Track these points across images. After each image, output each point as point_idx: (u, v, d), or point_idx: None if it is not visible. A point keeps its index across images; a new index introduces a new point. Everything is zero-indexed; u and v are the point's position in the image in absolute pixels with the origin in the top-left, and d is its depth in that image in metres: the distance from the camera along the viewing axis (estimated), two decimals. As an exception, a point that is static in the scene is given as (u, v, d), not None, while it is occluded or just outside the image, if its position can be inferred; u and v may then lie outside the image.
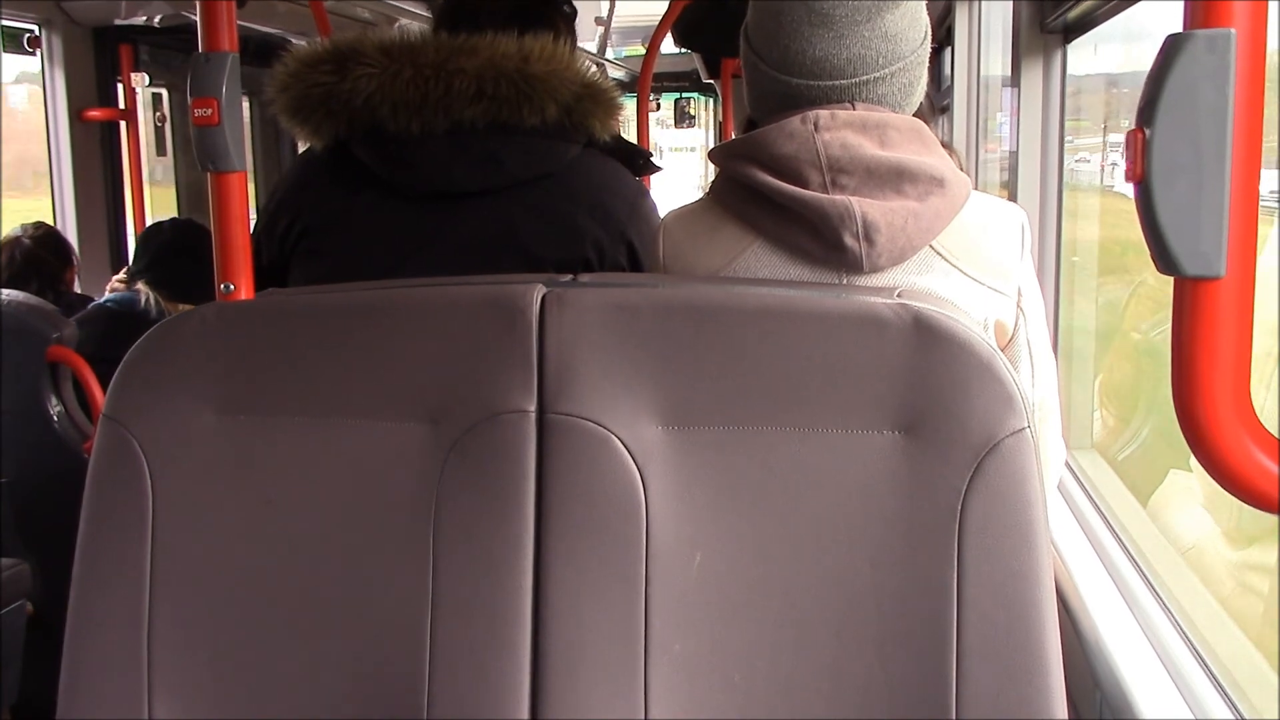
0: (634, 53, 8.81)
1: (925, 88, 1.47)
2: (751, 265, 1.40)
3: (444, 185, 1.71)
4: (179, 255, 3.27)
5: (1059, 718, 1.11)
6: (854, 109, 1.38)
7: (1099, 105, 3.05)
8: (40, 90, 4.17)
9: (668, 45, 4.87)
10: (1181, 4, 0.76)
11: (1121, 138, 0.78)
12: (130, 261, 3.43)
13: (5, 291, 3.00)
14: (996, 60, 3.41)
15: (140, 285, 3.25)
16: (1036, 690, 1.11)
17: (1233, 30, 0.74)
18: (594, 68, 1.79)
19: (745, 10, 1.48)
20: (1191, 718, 1.45)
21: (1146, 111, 0.76)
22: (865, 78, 1.39)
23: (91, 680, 1.26)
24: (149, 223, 4.36)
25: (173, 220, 3.58)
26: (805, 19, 1.38)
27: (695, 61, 6.70)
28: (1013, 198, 2.52)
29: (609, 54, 8.19)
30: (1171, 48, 0.75)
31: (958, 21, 3.92)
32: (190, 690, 1.24)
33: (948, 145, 1.73)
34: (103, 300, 3.33)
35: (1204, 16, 0.74)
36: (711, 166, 1.53)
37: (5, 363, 2.84)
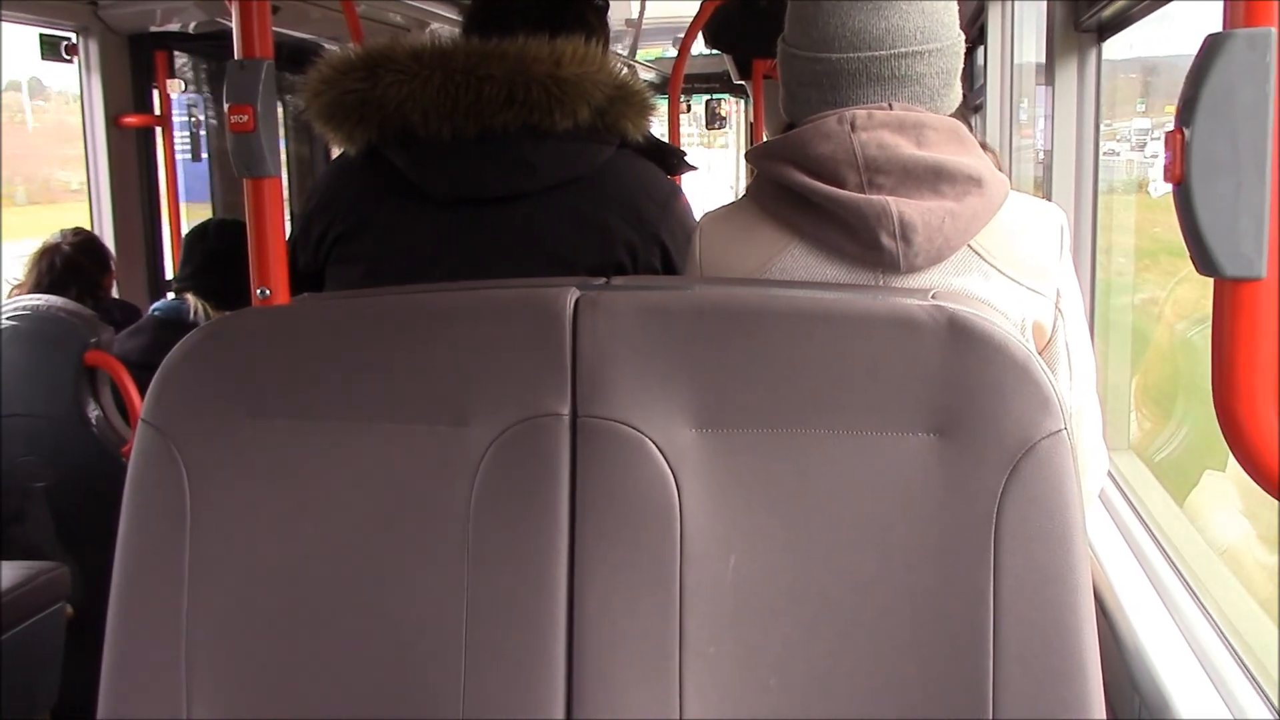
0: (658, 54, 8.79)
1: (961, 92, 1.47)
2: (789, 267, 1.40)
3: (475, 191, 1.71)
4: (223, 262, 3.28)
5: None
6: (891, 109, 1.38)
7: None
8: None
9: (698, 47, 4.86)
10: (1220, 3, 0.76)
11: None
12: (177, 268, 3.44)
13: (44, 297, 3.04)
14: (1030, 58, 3.39)
15: (189, 296, 3.28)
16: (1074, 694, 1.10)
17: (1273, 30, 0.73)
18: (625, 69, 1.79)
19: (775, 10, 1.48)
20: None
21: (1186, 111, 0.75)
22: (903, 50, 1.39)
23: (131, 682, 1.27)
24: (184, 228, 4.38)
25: (217, 223, 3.55)
26: None
27: (726, 63, 6.69)
28: (1047, 197, 2.50)
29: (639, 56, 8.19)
30: (1211, 47, 0.74)
31: (990, 19, 3.90)
32: (229, 691, 1.24)
33: (986, 145, 1.72)
34: (152, 310, 3.36)
35: (1244, 16, 0.74)
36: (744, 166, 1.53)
37: (45, 367, 2.88)
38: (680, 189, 1.87)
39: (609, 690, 1.14)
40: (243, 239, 3.49)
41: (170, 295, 3.40)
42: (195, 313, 3.25)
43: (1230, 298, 0.78)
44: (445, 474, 1.20)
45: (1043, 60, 2.62)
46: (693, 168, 2.04)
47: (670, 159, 1.92)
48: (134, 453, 1.28)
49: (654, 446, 1.15)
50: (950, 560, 1.11)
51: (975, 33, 4.10)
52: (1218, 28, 0.76)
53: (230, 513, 1.25)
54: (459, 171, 1.70)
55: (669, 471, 1.15)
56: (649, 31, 6.97)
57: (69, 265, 3.47)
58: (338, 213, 1.77)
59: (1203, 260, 0.77)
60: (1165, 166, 0.77)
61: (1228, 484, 2.14)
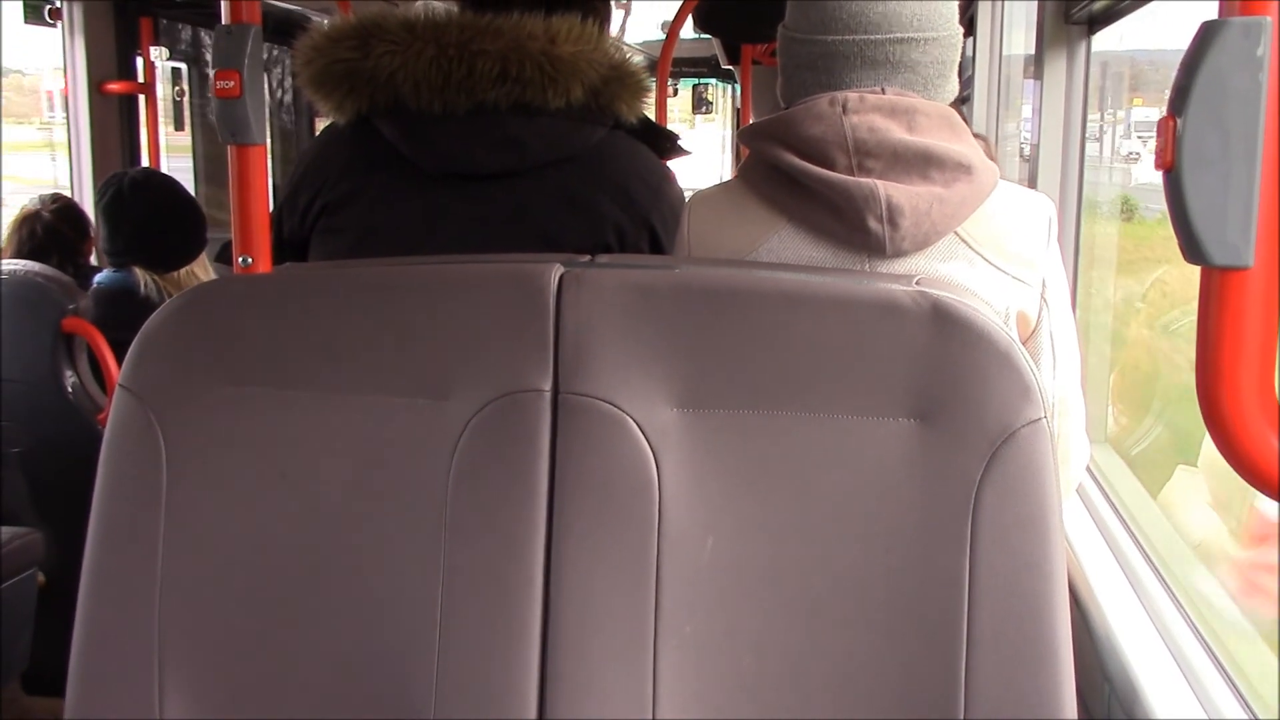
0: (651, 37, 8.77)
1: (956, 85, 1.47)
2: (776, 248, 1.40)
3: (465, 167, 1.70)
4: (157, 224, 3.20)
5: (1068, 712, 1.11)
6: (884, 94, 1.38)
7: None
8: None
9: (686, 30, 4.85)
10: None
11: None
12: (101, 239, 3.26)
13: (21, 263, 3.01)
14: (1019, 50, 3.40)
15: (136, 269, 3.20)
16: (1046, 683, 1.10)
17: (1268, 19, 0.73)
18: (621, 48, 1.78)
19: None
20: (1203, 715, 1.45)
21: (1178, 99, 0.75)
22: (898, 36, 1.40)
23: (102, 649, 1.26)
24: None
25: (131, 183, 3.26)
26: None
27: (715, 47, 6.68)
28: (1033, 188, 2.51)
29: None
30: (1205, 35, 0.74)
31: (980, 11, 3.90)
32: (201, 660, 1.24)
33: (979, 135, 1.73)
34: (95, 282, 3.22)
35: (1239, 4, 0.73)
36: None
37: (21, 333, 2.86)
38: (672, 173, 1.86)
39: (584, 666, 1.14)
40: (167, 192, 3.41)
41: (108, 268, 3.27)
42: (145, 284, 3.17)
43: (1217, 287, 0.78)
44: (425, 447, 1.20)
45: (1031, 53, 2.62)
46: (685, 152, 2.03)
47: (663, 142, 1.91)
48: (110, 419, 1.27)
49: (635, 425, 1.15)
50: (927, 545, 1.11)
51: (965, 24, 4.10)
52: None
53: (207, 481, 1.24)
54: (449, 146, 1.69)
55: (649, 450, 1.15)
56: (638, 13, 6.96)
57: (49, 232, 3.43)
58: (326, 182, 1.76)
59: (1190, 248, 0.77)
60: (1156, 153, 0.77)
61: (1198, 479, 2.15)
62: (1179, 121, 0.75)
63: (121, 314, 2.94)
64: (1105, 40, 2.49)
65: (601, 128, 1.73)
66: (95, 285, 3.23)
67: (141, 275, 3.19)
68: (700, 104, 10.49)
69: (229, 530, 1.24)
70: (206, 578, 1.24)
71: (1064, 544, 1.13)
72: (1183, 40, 0.76)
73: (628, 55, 1.76)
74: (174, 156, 4.89)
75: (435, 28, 1.66)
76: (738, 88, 7.38)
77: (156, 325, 1.27)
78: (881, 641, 1.13)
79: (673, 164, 2.00)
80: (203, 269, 3.36)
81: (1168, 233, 0.79)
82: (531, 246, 1.67)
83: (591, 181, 1.72)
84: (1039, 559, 1.10)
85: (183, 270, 3.30)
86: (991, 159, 1.44)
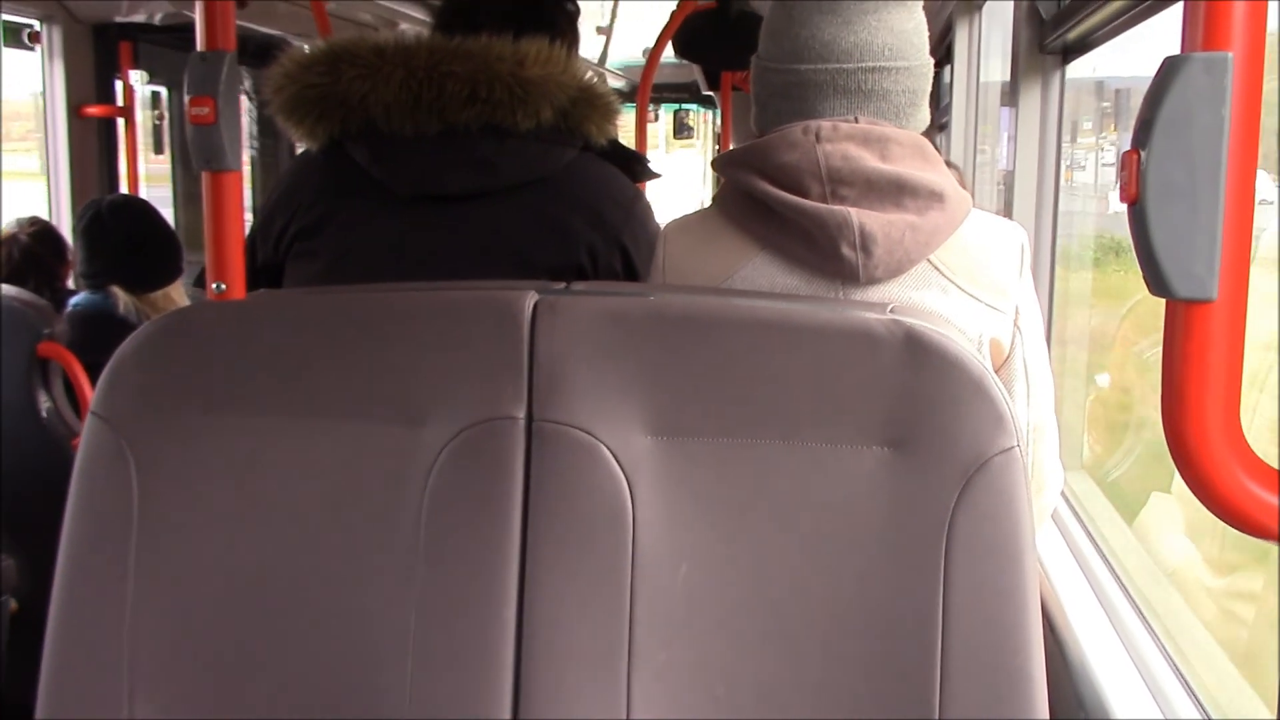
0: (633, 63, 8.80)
1: (928, 114, 1.48)
2: (751, 276, 1.40)
3: (436, 188, 1.71)
4: (137, 246, 3.21)
5: None
6: (857, 122, 1.39)
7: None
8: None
9: (667, 56, 4.87)
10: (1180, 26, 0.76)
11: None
12: (80, 261, 3.27)
13: None
14: (995, 77, 3.42)
15: (114, 288, 3.20)
16: (1021, 710, 1.10)
17: (1230, 54, 0.74)
18: (590, 72, 1.79)
19: (744, 22, 1.50)
20: (1175, 741, 1.45)
21: (1142, 133, 0.76)
22: (870, 65, 1.41)
23: (73, 676, 1.25)
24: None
25: (110, 207, 3.31)
26: (816, 8, 1.43)
27: (695, 73, 6.71)
28: (1008, 216, 2.52)
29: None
30: (1169, 70, 0.75)
31: (957, 39, 3.93)
32: (172, 690, 1.23)
33: (950, 163, 1.74)
34: (71, 305, 3.22)
35: (1202, 39, 0.74)
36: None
37: (-3, 356, 2.83)
38: (642, 193, 1.87)
39: (557, 694, 1.14)
40: (146, 217, 3.40)
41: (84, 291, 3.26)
42: (124, 305, 3.16)
43: (1182, 319, 0.78)
44: (399, 474, 1.19)
45: (1007, 80, 2.65)
46: (656, 175, 2.04)
47: (634, 165, 1.92)
48: (82, 446, 1.26)
49: (609, 452, 1.15)
50: (901, 574, 1.11)
51: (942, 52, 4.13)
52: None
53: (179, 508, 1.23)
54: (420, 168, 1.69)
55: (623, 477, 1.14)
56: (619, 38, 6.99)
57: (27, 256, 3.41)
58: (299, 208, 1.76)
59: (1155, 281, 0.77)
60: (1121, 186, 0.78)
61: (1174, 506, 2.16)
62: (1143, 155, 0.75)
63: (99, 336, 2.92)
64: (1110, 67, 2.51)
65: (571, 149, 1.74)
66: (71, 308, 3.21)
67: (120, 296, 3.18)
68: (681, 129, 10.53)
69: (201, 557, 1.23)
70: (178, 605, 1.23)
71: (1037, 572, 1.13)
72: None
73: (597, 78, 1.77)
74: (154, 185, 4.87)
75: (405, 51, 1.67)
76: (718, 113, 7.41)
77: (128, 352, 1.26)
78: (855, 670, 1.12)
79: (650, 189, 2.01)
80: (179, 293, 3.36)
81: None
82: (504, 268, 1.68)
83: (563, 202, 1.73)
84: (1013, 587, 1.10)
85: (159, 293, 3.29)
86: (964, 188, 1.44)
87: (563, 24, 1.85)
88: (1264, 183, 1.96)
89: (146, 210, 3.40)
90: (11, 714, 2.86)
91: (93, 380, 2.81)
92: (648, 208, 1.83)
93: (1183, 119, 0.74)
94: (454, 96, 1.65)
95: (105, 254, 3.21)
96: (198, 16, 1.40)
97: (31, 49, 4.10)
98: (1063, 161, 2.55)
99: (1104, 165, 3.71)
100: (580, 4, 1.96)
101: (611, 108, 1.76)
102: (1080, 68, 2.52)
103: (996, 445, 1.10)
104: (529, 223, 1.71)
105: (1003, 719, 1.10)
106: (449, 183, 1.70)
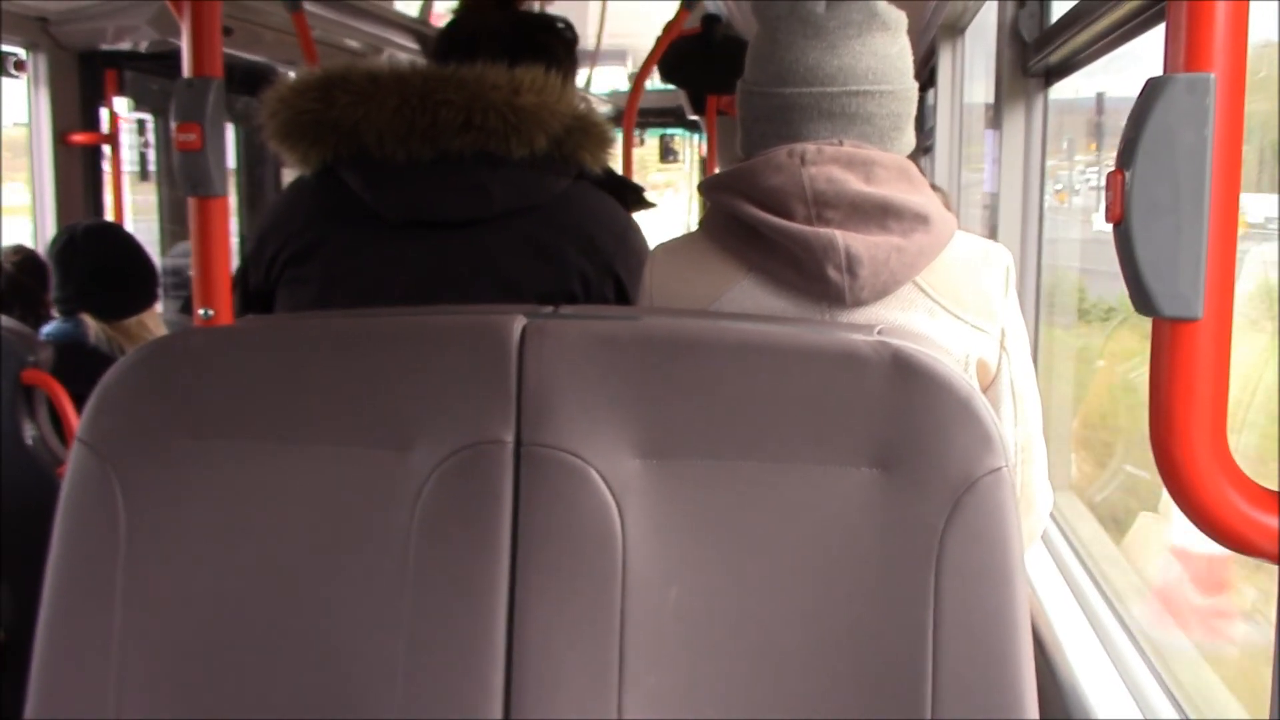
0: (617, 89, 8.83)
1: (913, 138, 1.49)
2: (738, 299, 1.40)
3: (429, 215, 1.70)
4: (109, 272, 3.16)
5: None
6: (841, 145, 1.39)
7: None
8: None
9: (653, 81, 4.89)
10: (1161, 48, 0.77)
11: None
12: (56, 287, 3.22)
13: None
14: (979, 98, 3.44)
15: (85, 317, 3.16)
16: None
17: (1212, 75, 0.74)
18: (587, 99, 1.79)
19: (729, 46, 1.51)
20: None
21: (1126, 153, 0.76)
22: (854, 88, 1.42)
23: (60, 704, 1.24)
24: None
25: (84, 232, 3.27)
26: (800, 32, 1.44)
27: (680, 98, 6.74)
28: (993, 238, 2.54)
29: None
30: (1151, 90, 0.76)
31: (941, 62, 3.96)
32: (160, 715, 1.22)
33: (935, 186, 1.75)
34: (43, 334, 3.14)
35: (1184, 60, 0.75)
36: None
37: (-20, 385, 2.82)
38: (636, 222, 1.87)
39: (547, 717, 1.13)
40: (120, 243, 3.37)
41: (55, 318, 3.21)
42: (95, 335, 3.11)
43: (1168, 338, 0.79)
44: (387, 499, 1.19)
45: (991, 102, 2.66)
46: (650, 204, 2.04)
47: (627, 195, 1.92)
48: (68, 473, 1.25)
49: (598, 475, 1.15)
50: (891, 595, 1.11)
51: (926, 76, 4.16)
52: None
53: (166, 535, 1.23)
54: (413, 195, 1.69)
55: (612, 501, 1.14)
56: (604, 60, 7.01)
57: (12, 285, 3.40)
58: (291, 233, 1.76)
59: (1141, 300, 0.78)
60: (1106, 206, 0.78)
61: (1161, 525, 2.17)
62: (1127, 175, 0.76)
63: (69, 366, 2.90)
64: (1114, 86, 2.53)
65: (565, 178, 1.74)
66: (41, 337, 3.18)
67: (91, 325, 3.15)
68: (667, 154, 10.55)
69: (188, 584, 1.22)
70: (165, 632, 1.22)
71: (1027, 592, 1.13)
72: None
73: (592, 107, 1.77)
74: (139, 216, 4.86)
75: (399, 78, 1.68)
76: (703, 137, 7.43)
77: (115, 378, 1.25)
78: (846, 692, 1.12)
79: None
80: (154, 320, 3.32)
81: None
82: (496, 295, 1.67)
83: (557, 230, 1.73)
84: (1002, 607, 1.10)
85: (132, 320, 3.25)
86: (949, 210, 1.45)
87: (560, 52, 1.85)
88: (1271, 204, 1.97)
89: (120, 236, 3.36)
90: (-3, 744, 2.83)
91: (74, 408, 2.80)
92: (641, 236, 1.83)
93: (1166, 139, 0.75)
94: (448, 123, 1.65)
95: (77, 279, 3.16)
96: (184, 43, 1.41)
97: (17, 77, 4.10)
98: (1056, 184, 2.56)
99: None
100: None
101: (606, 137, 1.77)
102: (1073, 88, 2.53)
103: (985, 466, 1.10)
104: (521, 250, 1.71)
105: None
106: (441, 209, 1.70)
